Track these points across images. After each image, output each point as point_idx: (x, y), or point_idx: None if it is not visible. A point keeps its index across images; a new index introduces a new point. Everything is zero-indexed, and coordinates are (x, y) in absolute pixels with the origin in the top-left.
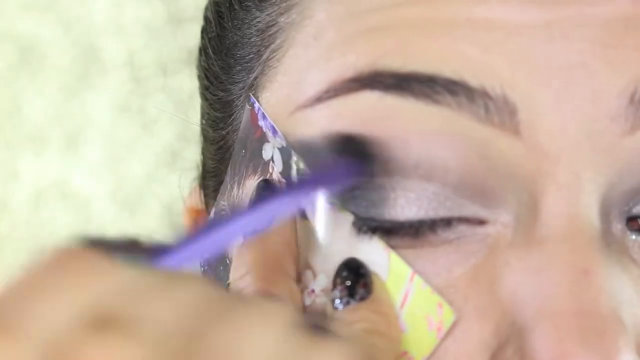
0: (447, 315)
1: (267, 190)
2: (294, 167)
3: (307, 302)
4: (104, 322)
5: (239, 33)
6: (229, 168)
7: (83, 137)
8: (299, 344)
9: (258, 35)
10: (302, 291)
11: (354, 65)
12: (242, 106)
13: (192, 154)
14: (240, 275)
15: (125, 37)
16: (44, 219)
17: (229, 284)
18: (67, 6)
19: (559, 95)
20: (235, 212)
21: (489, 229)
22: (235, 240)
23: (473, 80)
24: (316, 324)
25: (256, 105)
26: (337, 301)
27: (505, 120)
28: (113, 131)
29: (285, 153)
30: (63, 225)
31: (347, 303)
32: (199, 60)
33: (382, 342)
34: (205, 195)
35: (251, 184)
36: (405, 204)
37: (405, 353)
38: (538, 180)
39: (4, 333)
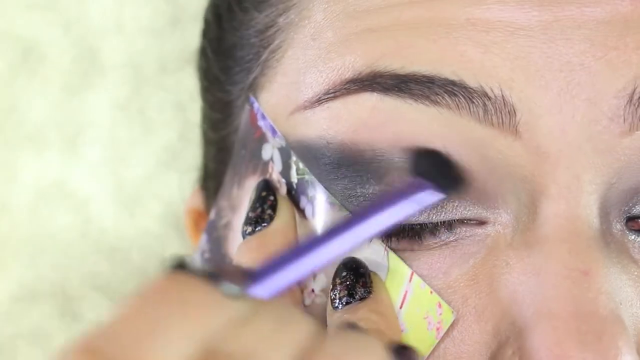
0: (446, 315)
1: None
2: (294, 167)
3: (307, 302)
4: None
5: (237, 34)
6: (228, 168)
7: (83, 137)
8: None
9: (257, 36)
10: (302, 291)
11: (352, 66)
12: (241, 107)
13: (192, 154)
14: None
15: (125, 37)
16: (44, 219)
17: None
18: (67, 6)
19: (559, 96)
20: (327, 232)
21: (488, 230)
22: (330, 261)
23: (472, 81)
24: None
25: (255, 105)
26: (337, 301)
27: (504, 121)
28: (113, 131)
29: (284, 153)
30: (63, 225)
31: (347, 303)
32: (199, 61)
33: (383, 342)
34: (207, 197)
35: (250, 184)
36: None
37: None
38: (537, 181)
39: None
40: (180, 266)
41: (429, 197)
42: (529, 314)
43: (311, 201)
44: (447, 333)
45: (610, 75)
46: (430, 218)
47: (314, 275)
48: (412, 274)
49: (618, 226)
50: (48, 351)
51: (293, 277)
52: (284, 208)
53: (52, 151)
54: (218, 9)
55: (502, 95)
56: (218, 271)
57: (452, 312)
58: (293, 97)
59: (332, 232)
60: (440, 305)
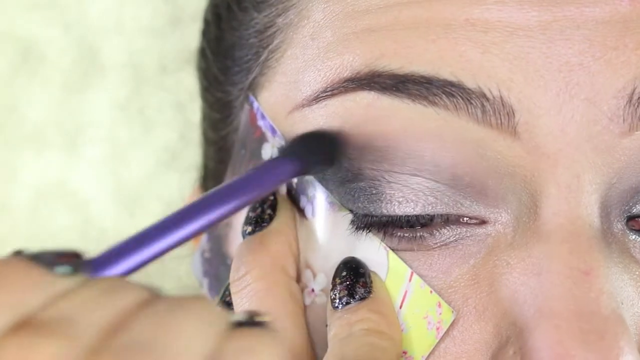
0: (446, 315)
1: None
2: None
3: (307, 301)
4: (24, 325)
5: (237, 34)
6: (228, 168)
7: (83, 137)
8: (229, 348)
9: (256, 37)
10: (302, 291)
11: (351, 66)
12: (240, 107)
13: (192, 154)
14: (240, 275)
15: (125, 37)
16: (44, 219)
17: (228, 284)
18: (67, 6)
19: (558, 96)
20: (168, 218)
21: (488, 230)
22: (171, 245)
23: (470, 82)
24: (252, 321)
25: (255, 105)
26: (337, 301)
27: (502, 122)
28: (113, 131)
29: None
30: (63, 225)
31: (347, 303)
32: (198, 61)
33: (384, 341)
34: None
35: None
36: (402, 199)
37: (404, 352)
38: (537, 181)
39: None
40: (17, 253)
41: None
42: (530, 314)
43: (311, 201)
44: (447, 333)
45: (609, 75)
46: (425, 210)
47: (313, 275)
48: (412, 274)
49: (619, 226)
50: None
51: (139, 259)
52: (284, 208)
53: (52, 151)
54: (217, 9)
55: (501, 96)
56: (53, 255)
57: (452, 311)
58: (292, 96)
59: (179, 213)
60: (440, 305)
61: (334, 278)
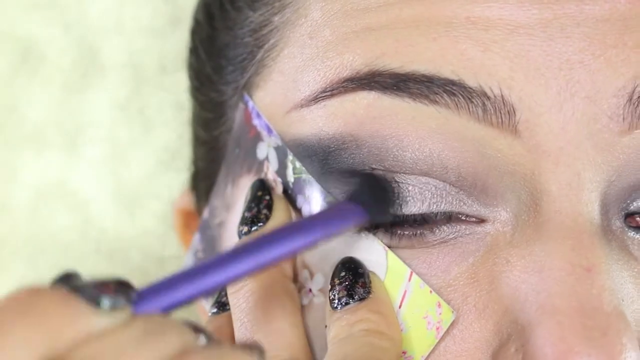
0: (446, 315)
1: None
2: (290, 166)
3: (304, 302)
4: None
5: (231, 33)
6: (222, 168)
7: (83, 137)
8: None
9: (251, 35)
10: (299, 291)
11: (351, 65)
12: (234, 106)
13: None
14: None
15: (125, 37)
16: (44, 219)
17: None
18: (67, 6)
19: (559, 94)
20: (225, 254)
21: (487, 228)
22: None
23: (471, 80)
24: None
25: (250, 104)
26: (336, 302)
27: (503, 120)
28: (113, 131)
29: (281, 152)
30: (63, 225)
31: (347, 303)
32: (189, 61)
33: (383, 342)
34: (198, 197)
35: (245, 183)
36: (409, 198)
37: (404, 352)
38: (538, 179)
39: None
40: (62, 280)
41: (350, 220)
42: (532, 311)
43: (308, 200)
44: (447, 331)
45: (609, 74)
46: (430, 208)
47: (311, 275)
48: (411, 274)
49: (617, 223)
50: None
51: (185, 296)
52: (280, 208)
53: (52, 151)
54: (209, 8)
55: (502, 95)
56: (98, 286)
57: (452, 311)
58: (290, 95)
59: (233, 252)
60: (439, 305)
61: (332, 278)
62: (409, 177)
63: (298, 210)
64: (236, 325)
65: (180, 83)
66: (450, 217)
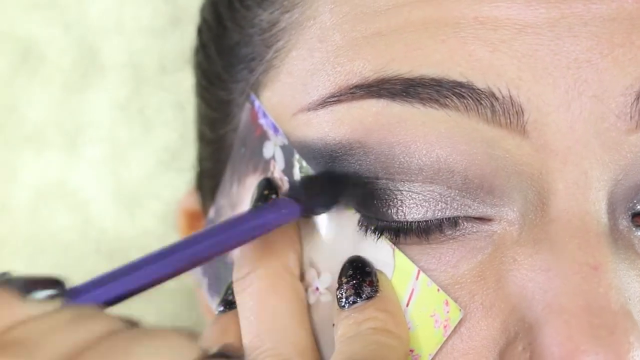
0: (453, 313)
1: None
2: (297, 165)
3: (311, 300)
4: None
5: (241, 32)
6: (227, 167)
7: (83, 137)
8: None
9: (260, 35)
10: (305, 289)
11: (360, 72)
12: (241, 106)
13: (192, 154)
14: (244, 274)
15: (125, 37)
16: (44, 219)
17: (231, 283)
18: (67, 6)
19: (567, 93)
20: (158, 252)
21: (494, 227)
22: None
23: (480, 82)
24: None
25: (256, 103)
26: (343, 300)
27: (512, 121)
28: (113, 131)
29: (287, 151)
30: (63, 225)
31: (354, 302)
32: (197, 60)
33: (391, 340)
34: (203, 197)
35: (251, 182)
36: (413, 205)
37: (412, 351)
38: (545, 179)
39: None
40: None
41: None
42: (539, 310)
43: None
44: (454, 329)
45: (617, 73)
46: (435, 215)
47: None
48: (418, 272)
49: (624, 222)
50: None
51: (116, 292)
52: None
53: (52, 151)
54: (217, 6)
55: (510, 95)
56: (31, 281)
57: (460, 310)
58: (298, 98)
59: (169, 248)
60: (447, 303)
61: (340, 277)
62: (414, 185)
63: None
64: (243, 323)
65: (180, 83)
66: (456, 222)
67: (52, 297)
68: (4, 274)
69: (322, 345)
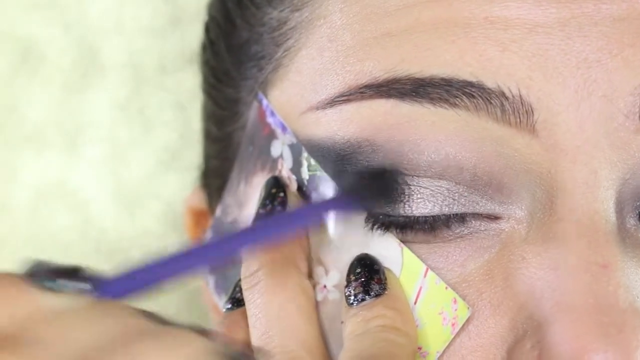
0: (462, 311)
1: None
2: (305, 163)
3: (319, 297)
4: None
5: (251, 30)
6: (235, 165)
7: (83, 137)
8: None
9: (270, 33)
10: (313, 287)
11: (370, 72)
12: (249, 104)
13: (192, 154)
14: (252, 271)
15: (125, 37)
16: (43, 219)
17: (239, 281)
18: (67, 6)
19: (577, 93)
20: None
21: (502, 225)
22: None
23: (490, 81)
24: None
25: (264, 102)
26: (352, 298)
27: (521, 120)
28: (113, 131)
29: (295, 150)
30: (63, 225)
31: (362, 300)
32: (204, 58)
33: (400, 338)
34: (209, 195)
35: (259, 180)
36: (420, 200)
37: (420, 348)
38: (554, 177)
39: None
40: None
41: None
42: (548, 308)
43: (323, 197)
44: (462, 327)
45: (626, 73)
46: (442, 210)
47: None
48: (426, 270)
49: (632, 221)
50: None
51: (142, 284)
52: (295, 205)
53: (52, 151)
54: (226, 4)
55: (520, 95)
56: (52, 271)
57: (468, 307)
58: (306, 96)
59: (202, 245)
60: (455, 301)
61: (348, 275)
62: (422, 180)
63: None
64: (251, 321)
65: (180, 83)
66: (463, 218)
67: (75, 289)
68: (34, 262)
69: (329, 343)
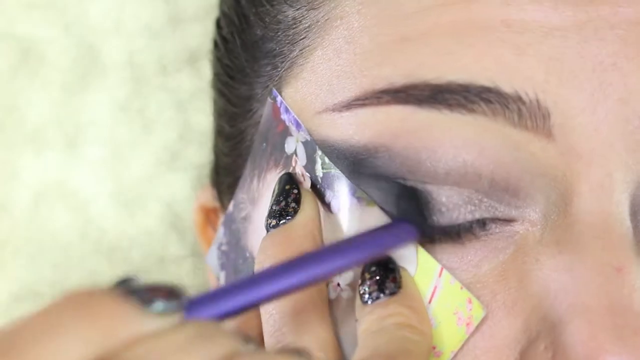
0: (476, 311)
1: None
2: (319, 161)
3: (332, 296)
4: None
5: (266, 27)
6: (248, 162)
7: (83, 137)
8: None
9: (285, 31)
10: (326, 285)
11: (387, 77)
12: (263, 101)
13: (192, 154)
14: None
15: (125, 37)
16: (44, 219)
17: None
18: (67, 6)
19: (593, 96)
20: (277, 267)
21: (516, 227)
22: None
23: (507, 86)
24: None
25: (279, 99)
26: (367, 296)
27: (538, 124)
28: (113, 131)
29: (309, 147)
30: (63, 225)
31: (377, 298)
32: (216, 55)
33: (415, 335)
34: (220, 192)
35: (272, 177)
36: (445, 210)
37: (434, 348)
38: (569, 181)
39: None
40: (119, 283)
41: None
42: (562, 309)
43: (337, 195)
44: (476, 328)
45: None
46: (466, 217)
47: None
48: (441, 270)
49: None
50: None
51: (236, 306)
52: (308, 201)
53: (52, 151)
54: (239, 1)
55: (537, 99)
56: (152, 290)
57: (483, 308)
58: (322, 97)
59: (285, 265)
60: (470, 301)
61: (362, 273)
62: (442, 188)
63: (326, 205)
64: (264, 317)
65: (180, 83)
66: (484, 224)
67: (171, 310)
68: (125, 280)
69: (342, 341)
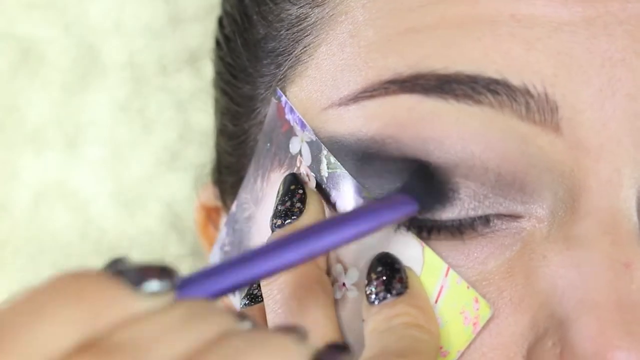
0: (483, 311)
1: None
2: (324, 161)
3: (338, 295)
4: (91, 346)
5: (269, 26)
6: (252, 161)
7: (83, 137)
8: None
9: (288, 29)
10: (332, 284)
11: (393, 68)
12: (266, 100)
13: (192, 154)
14: None
15: (125, 37)
16: (44, 219)
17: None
18: (67, 6)
19: (601, 91)
20: (271, 244)
21: (523, 224)
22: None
23: (515, 79)
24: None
25: (283, 98)
26: (373, 296)
27: (546, 118)
28: (113, 131)
29: (314, 147)
30: (63, 225)
31: (384, 298)
32: (219, 54)
33: (423, 335)
34: (222, 192)
35: (276, 177)
36: (449, 205)
37: (440, 347)
38: (577, 176)
39: None
40: (109, 265)
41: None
42: (570, 305)
43: (342, 195)
44: (483, 326)
45: None
46: (468, 213)
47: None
48: (448, 269)
49: None
50: None
51: (229, 284)
52: (314, 201)
53: (52, 151)
54: (242, 0)
55: (545, 93)
56: (142, 270)
57: (490, 307)
58: (328, 92)
59: (280, 241)
60: (477, 301)
61: (369, 273)
62: (448, 183)
63: (332, 205)
64: (269, 316)
65: (180, 83)
66: (488, 220)
67: (163, 290)
68: (117, 260)
69: (348, 341)
